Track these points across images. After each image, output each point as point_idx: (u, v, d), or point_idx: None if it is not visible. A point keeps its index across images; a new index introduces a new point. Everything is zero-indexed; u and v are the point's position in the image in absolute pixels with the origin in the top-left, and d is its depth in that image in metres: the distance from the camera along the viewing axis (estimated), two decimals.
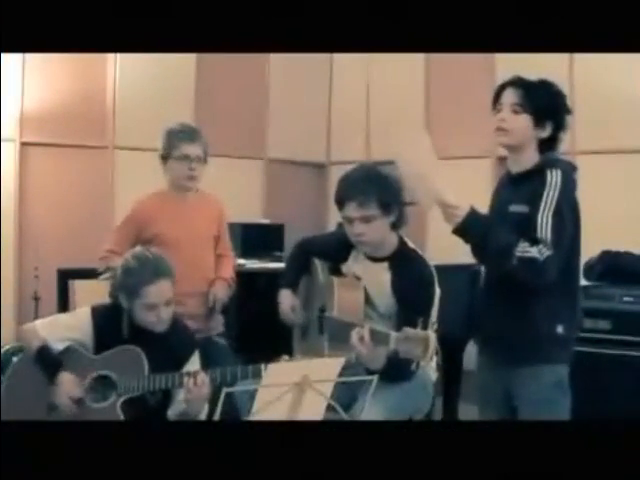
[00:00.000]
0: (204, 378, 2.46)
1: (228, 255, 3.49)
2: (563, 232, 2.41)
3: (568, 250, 2.45)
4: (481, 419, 2.69)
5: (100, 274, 3.15)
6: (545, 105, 2.51)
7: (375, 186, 2.64)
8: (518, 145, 2.54)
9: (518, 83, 2.53)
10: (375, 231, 2.68)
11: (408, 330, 2.22)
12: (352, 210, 2.65)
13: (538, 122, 2.51)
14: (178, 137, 3.27)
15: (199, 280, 3.28)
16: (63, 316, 2.85)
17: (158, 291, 2.58)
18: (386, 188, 2.64)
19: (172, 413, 2.59)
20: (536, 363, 2.49)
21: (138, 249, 2.73)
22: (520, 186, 2.54)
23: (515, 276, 2.39)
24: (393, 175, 2.63)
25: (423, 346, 2.18)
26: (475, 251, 2.52)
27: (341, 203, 2.69)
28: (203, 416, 2.55)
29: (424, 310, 2.60)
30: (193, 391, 2.45)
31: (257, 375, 2.38)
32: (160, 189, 3.36)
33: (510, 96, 2.53)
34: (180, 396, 2.54)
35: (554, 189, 2.42)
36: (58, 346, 2.61)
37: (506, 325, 2.53)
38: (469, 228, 2.41)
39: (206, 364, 2.69)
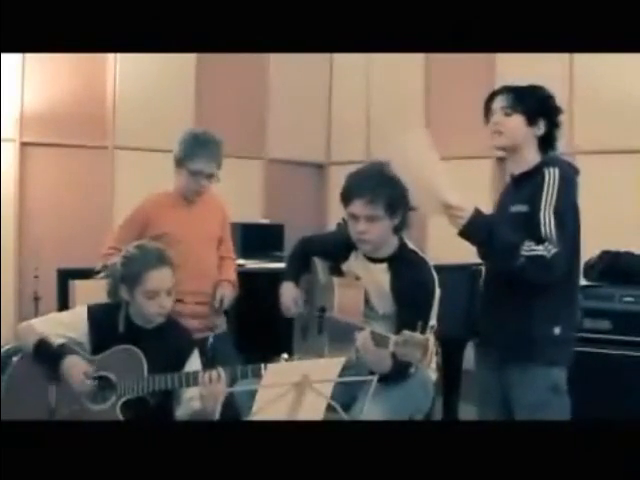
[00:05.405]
0: (220, 374, 2.44)
1: (231, 258, 3.50)
2: (565, 228, 2.42)
3: (569, 248, 2.45)
4: (480, 419, 2.69)
5: (98, 272, 3.12)
6: (535, 105, 2.55)
7: (385, 187, 2.61)
8: (514, 145, 2.56)
9: (507, 89, 2.59)
10: (378, 231, 2.67)
11: (407, 334, 2.22)
12: (359, 207, 2.63)
13: (531, 120, 2.54)
14: (196, 151, 3.20)
15: (204, 280, 3.28)
16: (59, 314, 2.84)
17: (160, 277, 2.59)
18: (395, 190, 2.62)
19: (182, 413, 2.57)
20: (531, 365, 2.49)
21: (139, 241, 2.77)
22: (520, 187, 2.55)
23: (524, 275, 2.39)
24: (402, 178, 2.62)
25: (422, 350, 2.18)
26: (481, 252, 2.52)
27: (348, 199, 2.67)
28: (217, 415, 2.53)
29: (423, 313, 2.57)
30: (208, 387, 2.42)
31: (256, 375, 2.38)
32: (165, 189, 3.36)
33: (500, 101, 2.58)
34: (188, 394, 2.53)
35: (553, 186, 2.43)
36: (56, 341, 2.60)
37: (503, 325, 2.53)
38: (474, 229, 2.41)
39: (212, 362, 2.67)
